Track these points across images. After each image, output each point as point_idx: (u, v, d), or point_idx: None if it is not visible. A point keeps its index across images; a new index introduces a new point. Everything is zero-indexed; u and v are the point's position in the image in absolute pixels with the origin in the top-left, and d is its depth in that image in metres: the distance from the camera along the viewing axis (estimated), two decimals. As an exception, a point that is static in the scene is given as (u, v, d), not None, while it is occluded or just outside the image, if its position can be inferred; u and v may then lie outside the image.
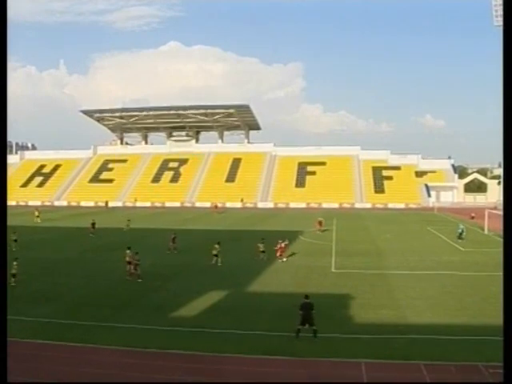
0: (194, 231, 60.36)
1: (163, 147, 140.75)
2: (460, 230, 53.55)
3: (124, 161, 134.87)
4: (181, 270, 37.56)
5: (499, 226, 55.03)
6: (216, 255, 39.55)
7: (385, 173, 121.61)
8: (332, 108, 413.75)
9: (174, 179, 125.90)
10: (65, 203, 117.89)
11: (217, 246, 40.11)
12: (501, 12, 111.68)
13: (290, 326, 22.88)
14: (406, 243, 52.00)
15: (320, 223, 59.55)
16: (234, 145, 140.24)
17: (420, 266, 39.02)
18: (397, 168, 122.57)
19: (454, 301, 28.46)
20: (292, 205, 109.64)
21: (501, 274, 35.87)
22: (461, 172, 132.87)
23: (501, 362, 18.70)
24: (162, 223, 70.33)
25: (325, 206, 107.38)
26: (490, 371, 18.17)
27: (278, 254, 40.94)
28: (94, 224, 58.74)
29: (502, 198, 13.97)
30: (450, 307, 27.05)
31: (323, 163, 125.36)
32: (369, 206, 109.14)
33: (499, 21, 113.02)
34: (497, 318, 24.74)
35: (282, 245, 41.32)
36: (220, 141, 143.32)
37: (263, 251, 40.88)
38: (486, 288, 31.74)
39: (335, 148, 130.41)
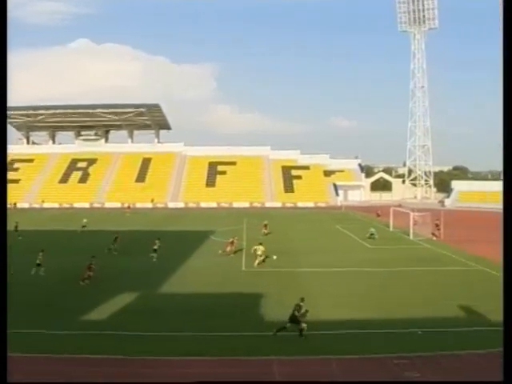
0: (109, 232, 58.79)
1: (71, 147, 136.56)
2: (371, 233, 54.73)
3: (30, 160, 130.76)
4: (105, 271, 36.57)
5: (404, 223, 57.29)
6: (155, 250, 41.52)
7: (294, 172, 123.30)
8: (245, 109, 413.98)
9: (83, 179, 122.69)
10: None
11: (157, 241, 42.28)
12: (404, 19, 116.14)
13: (195, 327, 23.27)
14: (315, 242, 53.08)
15: (265, 226, 59.37)
16: (144, 144, 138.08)
17: (330, 263, 39.87)
18: (306, 168, 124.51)
19: (361, 297, 29.32)
20: (203, 204, 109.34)
21: (407, 268, 37.71)
22: (367, 171, 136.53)
23: (405, 353, 19.82)
24: (76, 225, 68.29)
25: (235, 205, 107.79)
26: (395, 362, 19.05)
27: (228, 249, 43.55)
28: (16, 226, 56.72)
29: (501, 199, 14.52)
30: (359, 303, 27.85)
31: (233, 163, 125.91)
32: (279, 205, 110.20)
33: (403, 27, 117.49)
34: (401, 312, 25.98)
35: (231, 241, 44.45)
36: (130, 140, 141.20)
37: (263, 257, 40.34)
38: (393, 284, 32.98)
39: (245, 148, 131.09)
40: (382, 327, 23.36)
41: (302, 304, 22.40)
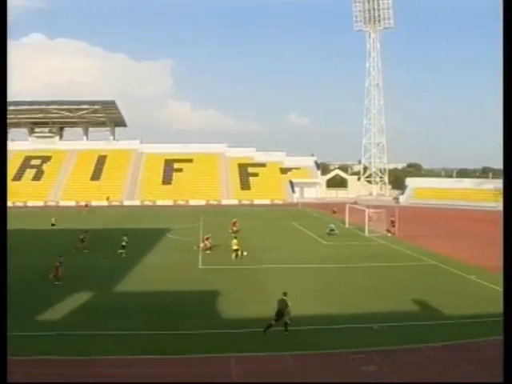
0: (74, 231, 57.35)
1: (25, 144, 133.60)
2: (331, 228, 55.18)
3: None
4: (68, 270, 35.57)
5: (359, 219, 57.98)
6: (124, 246, 41.95)
7: (251, 170, 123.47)
8: (202, 106, 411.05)
9: (37, 177, 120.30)
10: None
11: (125, 237, 42.71)
12: (360, 18, 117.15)
13: (153, 325, 23.26)
14: (272, 239, 53.18)
15: (234, 224, 58.73)
16: (99, 142, 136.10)
17: (288, 260, 40.07)
18: (262, 165, 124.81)
19: (319, 292, 29.59)
20: (159, 202, 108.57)
21: (363, 264, 38.30)
22: (323, 168, 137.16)
23: (364, 348, 20.20)
24: (35, 224, 67.14)
25: (192, 203, 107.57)
26: (352, 357, 19.34)
27: (202, 245, 44.46)
28: None
29: (502, 199, 14.70)
30: (316, 299, 28.08)
31: (190, 160, 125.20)
32: (235, 202, 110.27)
33: (358, 26, 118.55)
34: (360, 307, 26.38)
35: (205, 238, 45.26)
36: (85, 138, 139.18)
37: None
38: (349, 279, 33.39)
39: (202, 145, 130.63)
40: (342, 323, 23.59)
41: (285, 298, 22.31)
